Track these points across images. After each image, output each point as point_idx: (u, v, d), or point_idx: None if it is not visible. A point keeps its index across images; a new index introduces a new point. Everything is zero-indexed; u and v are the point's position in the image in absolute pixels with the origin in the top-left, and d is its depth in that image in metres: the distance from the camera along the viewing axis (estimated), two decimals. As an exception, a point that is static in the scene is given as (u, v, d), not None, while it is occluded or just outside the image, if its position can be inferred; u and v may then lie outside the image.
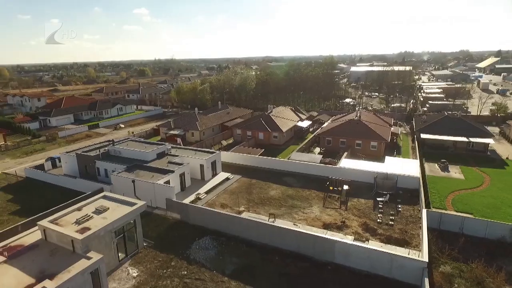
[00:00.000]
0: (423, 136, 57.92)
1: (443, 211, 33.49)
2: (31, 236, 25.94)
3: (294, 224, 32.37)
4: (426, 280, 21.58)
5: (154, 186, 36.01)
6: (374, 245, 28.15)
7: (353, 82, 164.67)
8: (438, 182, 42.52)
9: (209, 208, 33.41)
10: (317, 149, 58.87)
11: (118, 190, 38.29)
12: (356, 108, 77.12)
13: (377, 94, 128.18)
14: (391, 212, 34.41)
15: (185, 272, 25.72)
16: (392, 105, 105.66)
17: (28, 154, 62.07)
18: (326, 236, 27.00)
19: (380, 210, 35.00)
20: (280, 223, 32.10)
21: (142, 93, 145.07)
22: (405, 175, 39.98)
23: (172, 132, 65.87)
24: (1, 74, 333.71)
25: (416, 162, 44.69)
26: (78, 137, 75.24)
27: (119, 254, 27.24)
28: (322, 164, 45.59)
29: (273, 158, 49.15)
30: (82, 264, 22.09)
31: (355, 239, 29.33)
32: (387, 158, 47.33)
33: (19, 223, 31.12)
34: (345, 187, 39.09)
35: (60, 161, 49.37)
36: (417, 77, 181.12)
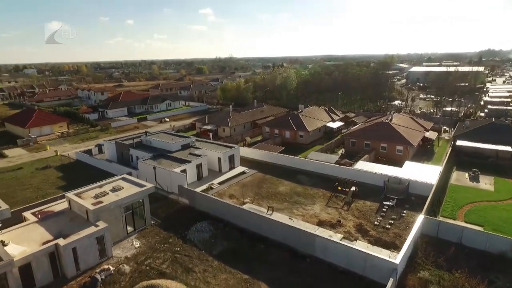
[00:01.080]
0: (459, 143, 54.31)
1: (444, 219, 32.23)
2: (60, 205, 31.44)
3: (289, 218, 33.83)
4: (391, 280, 21.88)
5: (170, 173, 40.11)
6: (360, 245, 28.56)
7: (410, 83, 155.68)
8: (460, 191, 40.22)
9: (212, 196, 36.37)
10: (341, 150, 58.58)
11: (142, 175, 43.32)
12: (393, 111, 73.90)
13: (432, 96, 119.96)
14: (392, 216, 33.94)
15: (178, 249, 28.97)
16: (445, 108, 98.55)
17: (83, 141, 71.53)
18: (308, 230, 28.19)
19: (382, 214, 34.70)
20: (277, 216, 33.85)
21: (192, 90, 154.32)
22: (419, 181, 38.64)
23: (205, 127, 70.53)
24: (80, 70, 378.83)
25: (438, 169, 42.65)
26: (127, 128, 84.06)
27: (128, 228, 31.50)
28: (336, 165, 45.82)
29: (290, 156, 50.55)
30: (90, 230, 26.57)
31: (343, 238, 29.95)
32: (406, 163, 45.82)
33: (58, 195, 37.30)
34: (352, 188, 39.31)
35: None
36: (490, 78, 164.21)
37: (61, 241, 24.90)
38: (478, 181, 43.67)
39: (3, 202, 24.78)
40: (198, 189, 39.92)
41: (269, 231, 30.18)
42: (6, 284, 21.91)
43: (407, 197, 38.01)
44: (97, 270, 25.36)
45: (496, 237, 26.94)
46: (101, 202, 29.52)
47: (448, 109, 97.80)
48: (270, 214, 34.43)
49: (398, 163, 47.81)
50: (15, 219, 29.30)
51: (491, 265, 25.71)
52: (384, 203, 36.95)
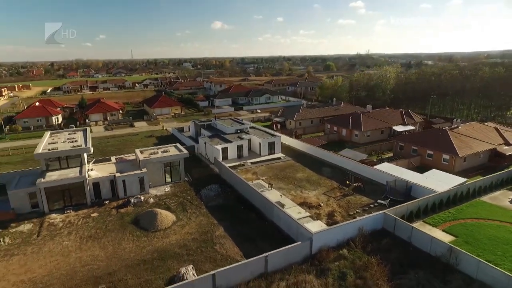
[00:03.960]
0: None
1: (421, 224, 32.98)
2: (132, 156, 47.54)
3: (280, 195, 40.64)
4: (308, 242, 27.40)
5: (213, 148, 52.02)
6: (316, 224, 33.57)
7: None
8: (478, 207, 37.40)
9: (229, 169, 46.19)
10: (390, 154, 58.22)
11: (200, 148, 57.08)
12: (459, 120, 64.86)
13: None
14: (371, 212, 36.33)
15: (189, 198, 40.48)
16: None
17: (188, 121, 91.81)
18: (272, 202, 34.91)
19: (365, 208, 37.40)
20: (273, 192, 41.26)
21: (299, 87, 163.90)
22: (425, 186, 38.52)
23: (276, 119, 79.87)
24: (223, 64, 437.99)
25: (459, 180, 40.37)
26: (224, 114, 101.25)
27: (167, 179, 44.94)
28: (358, 162, 48.29)
29: (325, 150, 55.05)
30: (136, 172, 40.91)
31: (309, 217, 35.25)
32: (432, 170, 44.24)
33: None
34: (355, 184, 42.37)
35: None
36: None
37: (118, 174, 40.00)
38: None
39: (90, 143, 41.37)
40: (231, 164, 50.49)
41: (254, 199, 38.22)
42: (83, 191, 37.98)
43: (407, 199, 38.59)
44: (134, 197, 39.42)
45: (437, 241, 27.57)
46: (149, 157, 43.81)
47: None
48: (269, 189, 42.06)
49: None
50: (108, 160, 46.86)
51: (421, 263, 26.93)
52: (378, 201, 39.01)
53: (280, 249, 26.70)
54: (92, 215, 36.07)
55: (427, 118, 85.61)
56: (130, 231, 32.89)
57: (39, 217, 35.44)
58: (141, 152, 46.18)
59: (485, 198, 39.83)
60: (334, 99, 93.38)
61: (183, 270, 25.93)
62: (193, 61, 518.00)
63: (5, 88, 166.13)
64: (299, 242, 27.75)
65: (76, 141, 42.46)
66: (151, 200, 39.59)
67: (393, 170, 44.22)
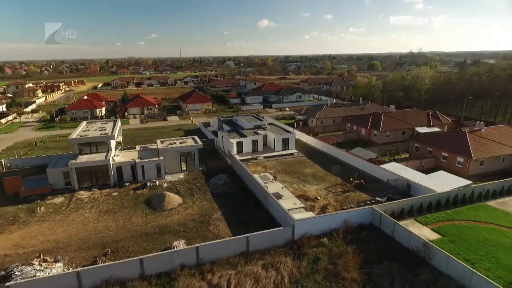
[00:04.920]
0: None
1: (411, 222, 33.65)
2: (155, 146, 52.73)
3: (281, 188, 43.03)
4: (290, 228, 29.82)
5: (228, 141, 55.63)
6: (307, 214, 35.62)
7: None
8: (481, 210, 36.67)
9: (240, 161, 49.33)
10: (406, 155, 57.53)
11: (219, 141, 61.11)
12: (483, 123, 60.50)
13: None
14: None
15: (198, 184, 44.44)
16: None
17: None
18: (269, 192, 37.45)
19: (360, 204, 38.54)
20: (275, 184, 43.83)
21: (334, 86, 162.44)
22: (424, 186, 38.67)
23: (298, 116, 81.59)
24: (265, 63, 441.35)
25: (464, 182, 39.71)
26: (252, 111, 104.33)
27: (182, 167, 49.35)
28: (366, 161, 48.92)
29: (336, 148, 56.09)
30: (154, 159, 45.81)
31: (303, 208, 37.36)
32: (440, 171, 43.69)
33: (165, 143, 59.63)
34: (357, 181, 43.46)
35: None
36: None
37: (138, 160, 45.15)
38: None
39: (116, 132, 46.99)
40: (245, 157, 53.78)
41: (255, 189, 41.10)
42: (108, 173, 43.54)
43: (406, 197, 38.90)
44: (150, 181, 44.25)
45: (415, 237, 28.39)
46: (167, 146, 48.53)
47: None
48: (273, 182, 44.67)
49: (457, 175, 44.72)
50: (133, 148, 52.58)
51: (398, 256, 27.99)
52: (376, 198, 39.89)
53: (262, 231, 29.38)
54: (113, 194, 41.45)
55: (459, 120, 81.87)
56: (141, 209, 37.55)
57: (70, 192, 41.60)
58: (162, 142, 51.14)
59: (492, 203, 38.73)
60: (361, 98, 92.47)
61: (175, 243, 29.72)
62: (236, 60, 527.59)
63: (63, 83, 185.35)
64: (281, 227, 30.22)
65: (105, 130, 48.49)
66: (165, 185, 44.16)
67: (398, 170, 44.44)
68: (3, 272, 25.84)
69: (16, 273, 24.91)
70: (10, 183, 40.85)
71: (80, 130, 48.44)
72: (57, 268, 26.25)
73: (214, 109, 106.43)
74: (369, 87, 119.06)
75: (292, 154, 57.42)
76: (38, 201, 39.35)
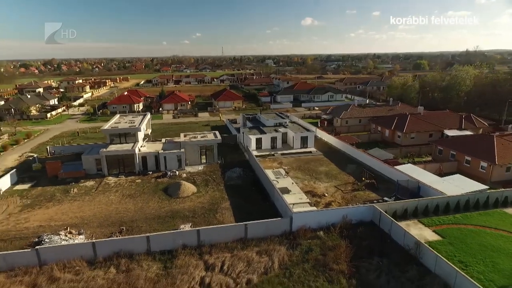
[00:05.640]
0: None
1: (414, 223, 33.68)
2: (179, 138, 56.62)
3: (292, 183, 44.49)
4: (288, 219, 31.51)
5: (247, 138, 57.99)
6: (308, 208, 36.88)
7: None
8: (495, 216, 35.47)
9: (255, 157, 51.36)
10: (429, 158, 55.91)
11: (240, 137, 63.75)
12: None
13: None
14: (372, 206, 37.79)
15: (214, 176, 47.34)
16: None
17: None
18: (276, 188, 39.10)
19: (366, 203, 38.88)
20: (286, 179, 45.44)
21: (369, 86, 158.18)
22: (434, 188, 38.12)
23: (324, 116, 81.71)
24: (305, 62, 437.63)
25: (478, 187, 38.40)
26: (281, 109, 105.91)
27: (202, 160, 52.58)
28: (381, 161, 48.65)
29: (352, 147, 56.11)
30: (175, 151, 49.50)
31: (308, 203, 38.64)
32: (456, 175, 42.43)
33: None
34: (368, 180, 43.71)
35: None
36: None
37: (161, 151, 49.09)
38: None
39: (144, 125, 51.26)
40: (263, 153, 55.87)
41: (265, 183, 43.05)
42: (133, 162, 47.89)
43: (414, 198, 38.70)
44: (171, 171, 47.94)
45: (408, 236, 28.65)
46: (189, 140, 52.02)
47: None
48: (285, 177, 46.30)
49: (480, 181, 43.15)
50: (159, 140, 56.88)
51: (390, 253, 28.53)
52: (385, 198, 40.01)
53: (260, 221, 31.34)
54: (137, 181, 45.68)
55: (499, 124, 76.94)
56: (159, 195, 41.18)
57: (100, 177, 46.53)
58: (185, 135, 54.82)
59: (510, 210, 37.18)
60: (391, 99, 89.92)
61: (182, 226, 32.69)
62: (276, 58, 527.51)
63: (109, 80, 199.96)
64: (279, 218, 31.93)
65: (133, 123, 53.16)
66: (184, 175, 47.62)
67: (412, 171, 43.85)
68: (36, 239, 30.53)
69: (46, 240, 29.35)
70: (51, 166, 46.71)
71: (113, 122, 53.60)
72: (79, 240, 30.35)
73: (244, 106, 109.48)
74: (404, 88, 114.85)
75: (310, 152, 58.38)
76: (73, 183, 44.67)
